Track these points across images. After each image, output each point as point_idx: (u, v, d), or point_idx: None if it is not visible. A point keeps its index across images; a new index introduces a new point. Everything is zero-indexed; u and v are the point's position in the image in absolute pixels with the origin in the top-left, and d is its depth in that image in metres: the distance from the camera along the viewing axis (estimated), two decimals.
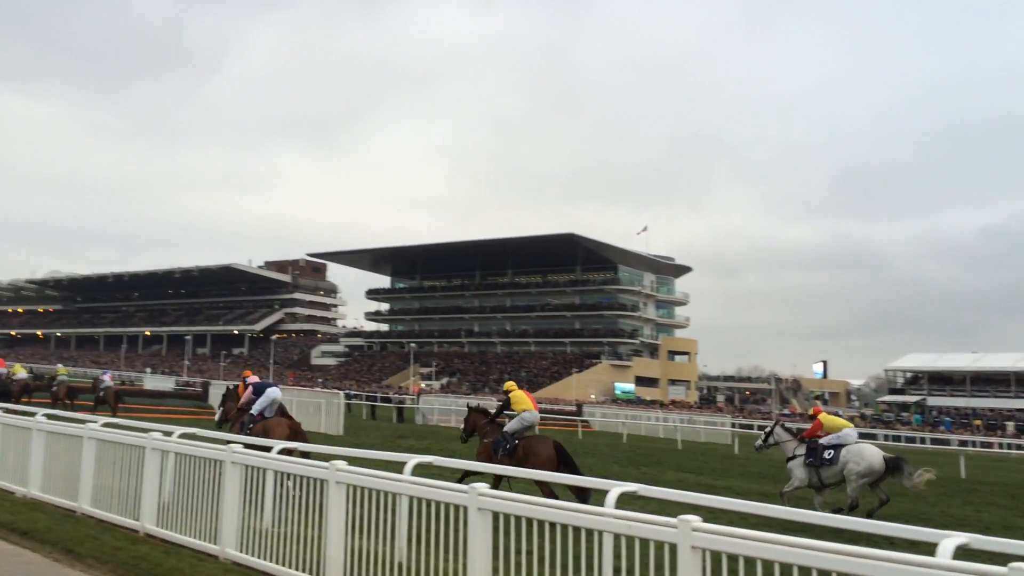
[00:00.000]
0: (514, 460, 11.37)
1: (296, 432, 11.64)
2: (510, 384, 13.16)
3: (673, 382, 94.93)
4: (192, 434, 9.58)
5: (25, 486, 10.45)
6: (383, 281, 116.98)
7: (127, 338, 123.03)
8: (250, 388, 13.19)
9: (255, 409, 12.59)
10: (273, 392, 12.92)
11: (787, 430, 14.12)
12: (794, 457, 13.14)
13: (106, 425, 10.20)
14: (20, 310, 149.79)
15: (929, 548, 4.61)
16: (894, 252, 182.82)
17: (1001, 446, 52.47)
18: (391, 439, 22.01)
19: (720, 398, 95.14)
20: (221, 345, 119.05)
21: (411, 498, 6.40)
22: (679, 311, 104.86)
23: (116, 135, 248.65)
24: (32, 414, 11.34)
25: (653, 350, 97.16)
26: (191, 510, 7.89)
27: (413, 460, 7.80)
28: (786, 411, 77.58)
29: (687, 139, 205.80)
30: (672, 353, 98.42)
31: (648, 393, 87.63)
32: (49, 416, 11.24)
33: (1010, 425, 64.99)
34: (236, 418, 13.25)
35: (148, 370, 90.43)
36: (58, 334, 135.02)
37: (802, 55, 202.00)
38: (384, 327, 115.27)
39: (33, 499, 10.11)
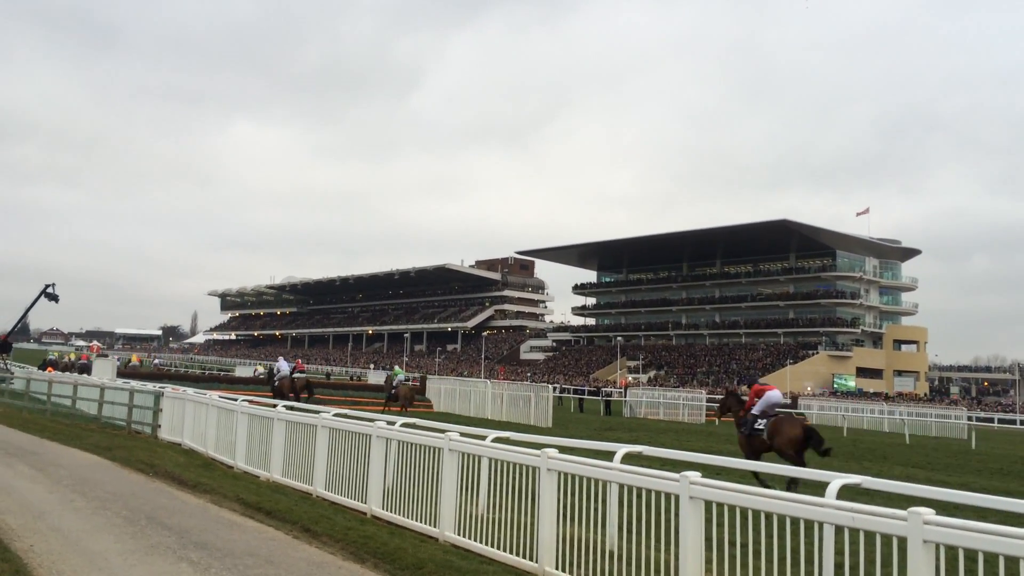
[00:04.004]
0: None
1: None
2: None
3: (899, 373, 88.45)
4: (413, 423, 10.13)
5: (268, 470, 11.51)
6: (589, 276, 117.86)
7: (352, 336, 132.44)
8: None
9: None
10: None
11: None
12: None
13: (337, 415, 11.02)
14: (261, 312, 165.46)
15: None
16: None
17: None
18: (599, 431, 22.14)
19: (954, 390, 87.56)
20: (436, 342, 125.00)
21: (621, 486, 6.41)
22: (906, 297, 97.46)
23: (334, 153, 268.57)
24: (273, 405, 12.45)
25: (876, 339, 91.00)
26: (413, 495, 8.35)
27: (623, 450, 7.80)
28: None
29: (894, 118, 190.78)
30: (898, 342, 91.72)
31: (871, 385, 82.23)
32: (288, 407, 12.29)
33: None
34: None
35: (371, 366, 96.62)
36: (293, 334, 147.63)
37: (1019, 21, 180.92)
38: (591, 321, 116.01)
39: (275, 482, 11.11)
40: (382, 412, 20.72)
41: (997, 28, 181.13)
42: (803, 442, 12.10)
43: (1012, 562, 4.00)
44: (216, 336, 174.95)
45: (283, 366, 27.92)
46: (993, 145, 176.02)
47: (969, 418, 44.59)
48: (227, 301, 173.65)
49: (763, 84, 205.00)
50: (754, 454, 12.36)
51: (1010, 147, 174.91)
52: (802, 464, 11.60)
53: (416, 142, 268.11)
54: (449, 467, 7.91)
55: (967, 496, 5.77)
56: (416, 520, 8.24)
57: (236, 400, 13.22)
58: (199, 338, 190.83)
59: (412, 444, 8.60)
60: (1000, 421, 55.52)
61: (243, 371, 59.13)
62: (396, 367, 36.96)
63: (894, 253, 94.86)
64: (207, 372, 61.86)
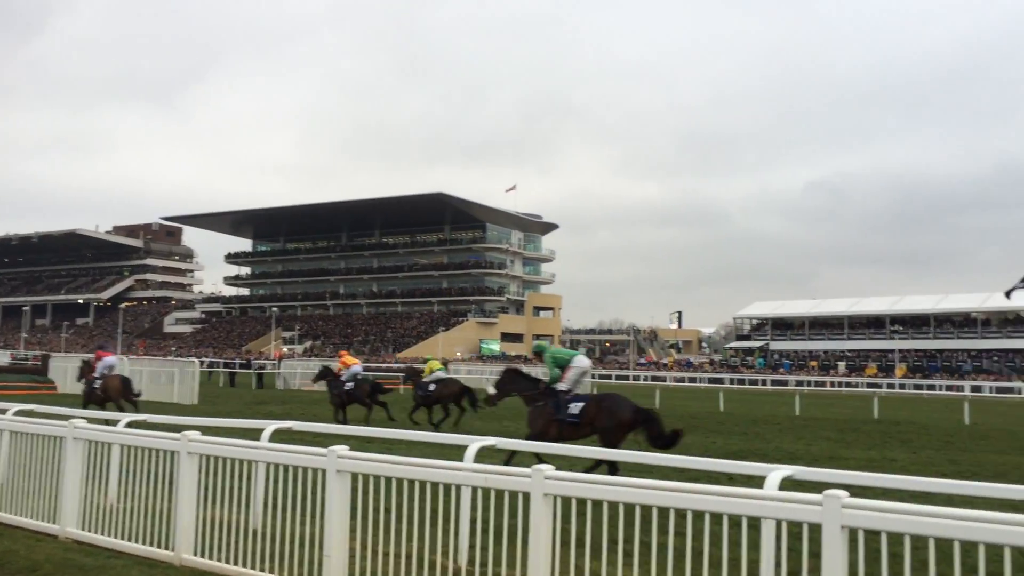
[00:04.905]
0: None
1: None
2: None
3: (538, 337, 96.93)
4: (30, 411, 9.01)
5: None
6: (244, 245, 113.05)
7: None
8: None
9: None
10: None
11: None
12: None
13: None
14: None
15: (761, 482, 4.97)
16: (733, 208, 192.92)
17: (833, 384, 56.85)
18: (250, 405, 21.50)
19: (582, 350, 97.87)
20: (63, 315, 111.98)
21: (268, 464, 6.30)
22: (545, 268, 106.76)
23: None
24: None
25: (519, 306, 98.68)
26: (30, 490, 7.46)
27: (271, 426, 7.65)
28: (643, 360, 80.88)
29: (534, 103, 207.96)
30: (537, 309, 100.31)
31: (514, 348, 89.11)
32: None
33: (841, 365, 70.29)
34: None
35: None
36: None
37: (643, 22, 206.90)
38: (245, 292, 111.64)
39: None
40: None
41: (617, 25, 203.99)
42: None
43: (613, 506, 4.59)
44: None
45: None
46: (615, 132, 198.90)
47: (592, 376, 50.33)
48: None
49: (419, 61, 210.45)
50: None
51: (628, 135, 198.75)
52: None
53: (40, 94, 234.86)
54: (73, 457, 7.17)
55: (582, 450, 6.55)
56: (31, 518, 7.38)
57: None
58: None
59: (29, 434, 7.66)
60: (617, 377, 63.28)
61: None
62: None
63: (536, 227, 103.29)
64: None
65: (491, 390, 12.42)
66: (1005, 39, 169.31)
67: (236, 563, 5.96)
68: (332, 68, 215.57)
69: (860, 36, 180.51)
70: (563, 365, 11.13)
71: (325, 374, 20.12)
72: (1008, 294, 63.49)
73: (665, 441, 9.97)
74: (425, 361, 20.37)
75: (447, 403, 18.56)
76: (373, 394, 18.98)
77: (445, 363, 25.67)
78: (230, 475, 6.30)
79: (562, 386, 10.96)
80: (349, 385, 18.74)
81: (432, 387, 18.65)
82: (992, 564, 3.73)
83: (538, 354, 12.01)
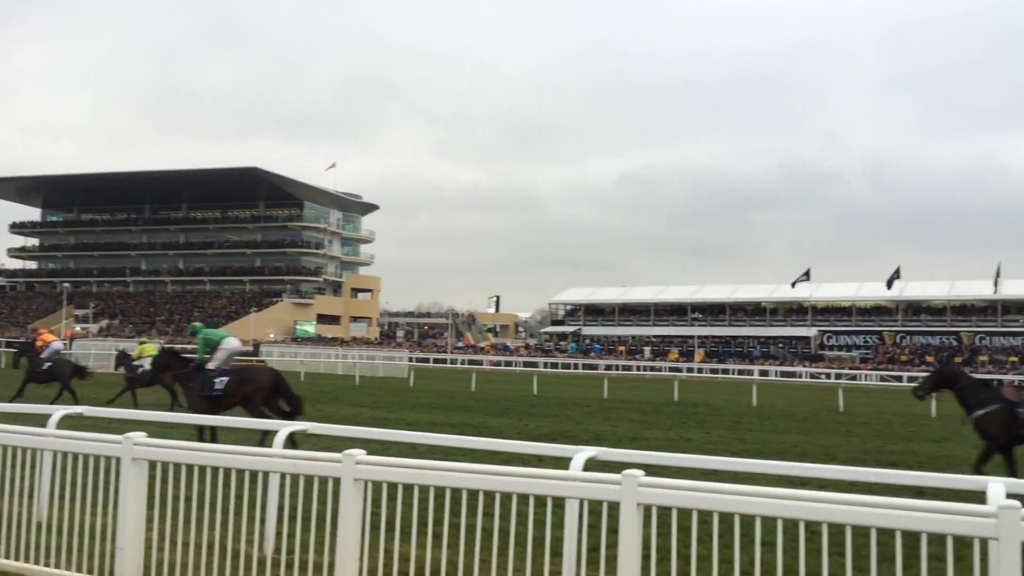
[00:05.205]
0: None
1: None
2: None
3: (355, 319, 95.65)
4: None
5: None
6: (32, 214, 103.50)
7: None
8: None
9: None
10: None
11: None
12: None
13: None
14: None
15: (567, 463, 5.19)
16: (551, 195, 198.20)
17: (639, 368, 60.13)
18: (38, 388, 19.76)
19: (400, 333, 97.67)
20: None
21: (56, 453, 5.87)
22: (364, 249, 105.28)
23: None
24: None
25: (336, 288, 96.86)
26: None
27: (59, 412, 7.13)
28: (461, 344, 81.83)
29: (356, 80, 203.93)
30: (355, 290, 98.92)
31: (330, 331, 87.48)
32: None
33: (647, 350, 74.39)
34: None
35: None
36: None
37: (466, 4, 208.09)
38: (32, 265, 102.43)
39: None
40: None
41: (439, 5, 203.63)
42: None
43: (424, 490, 4.64)
44: None
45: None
46: (437, 115, 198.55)
47: (410, 359, 50.41)
48: None
49: (232, 27, 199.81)
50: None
51: (450, 118, 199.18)
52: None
53: None
54: None
55: (398, 434, 6.56)
56: None
57: None
58: None
59: None
60: (435, 360, 63.68)
61: None
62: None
63: (356, 207, 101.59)
64: None
65: (147, 366, 14.70)
66: (792, 49, 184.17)
67: (19, 559, 5.60)
68: (136, 27, 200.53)
69: (669, 37, 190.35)
70: (214, 346, 12.18)
71: (24, 350, 20.57)
72: (793, 285, 70.22)
73: (295, 402, 11.74)
74: (141, 343, 21.27)
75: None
76: (72, 376, 19.19)
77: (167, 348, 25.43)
78: (11, 464, 5.83)
79: (210, 365, 11.98)
80: (47, 365, 19.14)
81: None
82: (767, 535, 4.12)
83: (193, 334, 13.04)
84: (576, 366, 58.07)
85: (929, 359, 58.43)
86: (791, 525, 3.92)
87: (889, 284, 67.65)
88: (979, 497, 4.22)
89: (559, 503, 4.57)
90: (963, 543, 3.69)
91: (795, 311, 76.90)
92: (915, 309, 73.02)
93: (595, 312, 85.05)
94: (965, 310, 71.61)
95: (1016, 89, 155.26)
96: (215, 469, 5.18)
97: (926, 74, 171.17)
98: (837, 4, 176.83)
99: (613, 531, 4.20)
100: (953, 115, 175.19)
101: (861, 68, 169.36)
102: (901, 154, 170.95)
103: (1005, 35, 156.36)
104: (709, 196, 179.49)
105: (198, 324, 13.57)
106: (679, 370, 49.96)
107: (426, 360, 60.96)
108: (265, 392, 11.59)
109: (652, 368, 59.25)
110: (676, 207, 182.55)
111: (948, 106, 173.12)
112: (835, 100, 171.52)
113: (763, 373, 56.16)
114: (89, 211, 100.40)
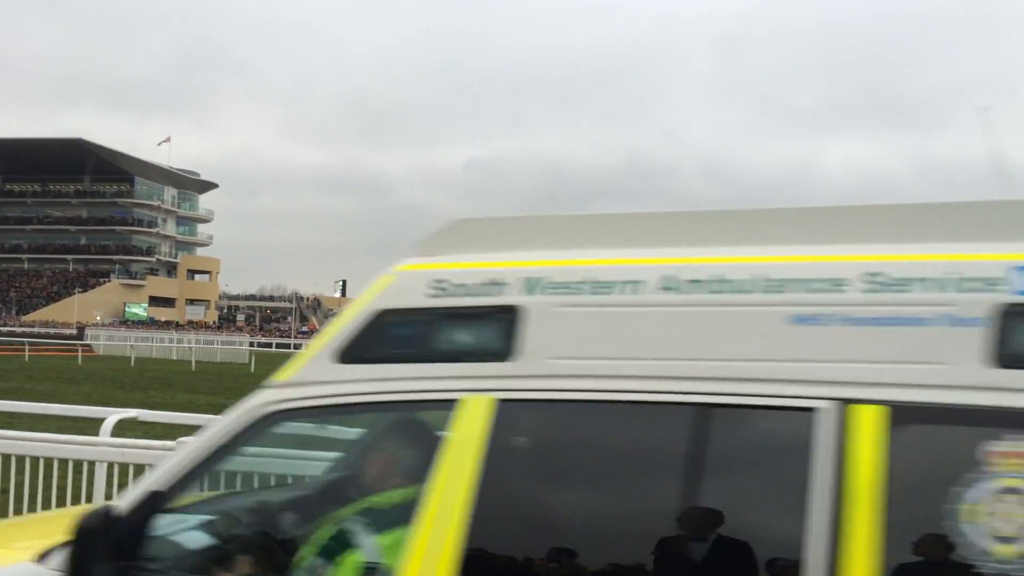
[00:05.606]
0: None
1: None
2: None
3: (192, 302, 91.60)
4: None
5: None
6: None
7: None
8: None
9: None
10: None
11: None
12: None
13: None
14: None
15: None
16: (398, 179, 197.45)
17: None
18: None
19: (241, 317, 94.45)
20: None
21: None
22: (202, 229, 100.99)
23: None
24: None
25: (171, 269, 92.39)
26: None
27: None
28: (305, 328, 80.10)
29: (192, 52, 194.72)
30: (192, 272, 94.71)
31: (163, 314, 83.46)
32: None
33: None
34: None
35: None
36: None
37: None
38: None
39: None
40: None
41: None
42: None
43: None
44: None
45: None
46: (280, 93, 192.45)
47: (251, 344, 48.82)
48: None
49: None
50: None
51: (294, 97, 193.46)
52: None
53: None
54: None
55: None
56: None
57: None
58: None
59: None
60: (278, 345, 62.00)
61: None
62: None
63: (193, 185, 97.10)
64: None
65: None
66: (631, 48, 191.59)
67: None
68: None
69: (520, 28, 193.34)
70: None
71: None
72: None
73: None
74: None
75: None
76: None
77: None
78: None
79: None
80: None
81: None
82: None
83: None
84: None
85: None
86: None
87: None
88: None
89: None
90: None
91: None
92: None
93: None
94: None
95: (834, 95, 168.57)
96: (35, 459, 4.98)
97: (754, 78, 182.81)
98: (671, 6, 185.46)
99: None
100: (778, 116, 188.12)
101: (695, 69, 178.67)
102: (731, 151, 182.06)
103: (823, 44, 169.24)
104: (557, 184, 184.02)
105: None
106: None
107: (268, 345, 59.23)
108: None
109: None
110: (523, 195, 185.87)
111: (777, 107, 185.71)
112: (672, 98, 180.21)
113: None
114: None
